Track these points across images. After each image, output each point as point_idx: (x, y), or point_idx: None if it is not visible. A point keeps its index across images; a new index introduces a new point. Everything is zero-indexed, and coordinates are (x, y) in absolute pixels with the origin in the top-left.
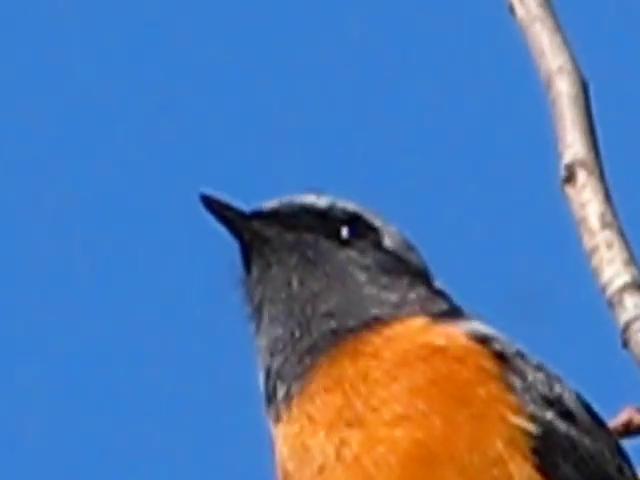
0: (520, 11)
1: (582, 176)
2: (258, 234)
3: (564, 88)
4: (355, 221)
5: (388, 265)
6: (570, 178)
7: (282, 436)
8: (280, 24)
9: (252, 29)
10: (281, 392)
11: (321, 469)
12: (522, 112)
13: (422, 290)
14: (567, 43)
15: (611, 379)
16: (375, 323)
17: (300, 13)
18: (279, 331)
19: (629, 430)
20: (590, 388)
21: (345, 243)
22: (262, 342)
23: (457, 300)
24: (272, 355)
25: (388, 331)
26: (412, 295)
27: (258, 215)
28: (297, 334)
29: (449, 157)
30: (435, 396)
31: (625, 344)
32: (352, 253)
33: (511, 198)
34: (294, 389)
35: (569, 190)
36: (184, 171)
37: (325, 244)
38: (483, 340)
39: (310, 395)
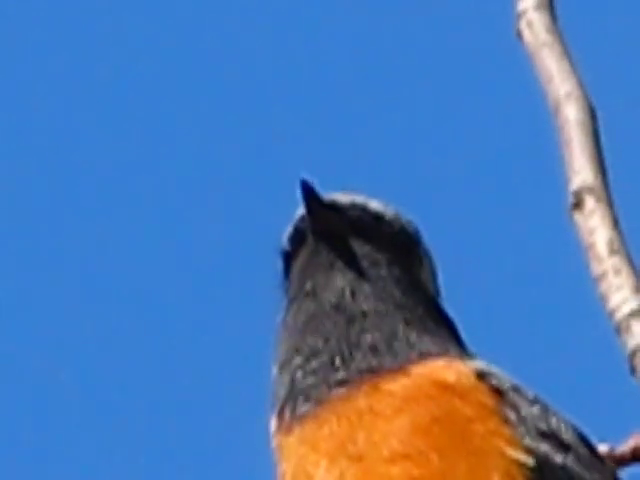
0: (528, 37)
1: (590, 202)
2: (331, 231)
3: (572, 114)
4: (416, 246)
5: (425, 300)
6: (578, 204)
7: (286, 451)
8: (284, 26)
9: (253, 33)
10: (296, 407)
11: None
12: (530, 138)
13: (436, 318)
14: (575, 69)
15: (618, 406)
16: (406, 364)
17: (304, 16)
18: (316, 343)
19: (636, 456)
20: (597, 415)
21: (410, 270)
22: (292, 344)
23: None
24: (300, 366)
25: (413, 370)
26: (440, 336)
27: (323, 207)
28: (333, 357)
29: (457, 183)
30: (436, 434)
31: (633, 371)
32: (414, 284)
33: (519, 225)
34: (309, 410)
35: (577, 216)
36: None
37: (398, 267)
38: (482, 375)
39: (321, 422)
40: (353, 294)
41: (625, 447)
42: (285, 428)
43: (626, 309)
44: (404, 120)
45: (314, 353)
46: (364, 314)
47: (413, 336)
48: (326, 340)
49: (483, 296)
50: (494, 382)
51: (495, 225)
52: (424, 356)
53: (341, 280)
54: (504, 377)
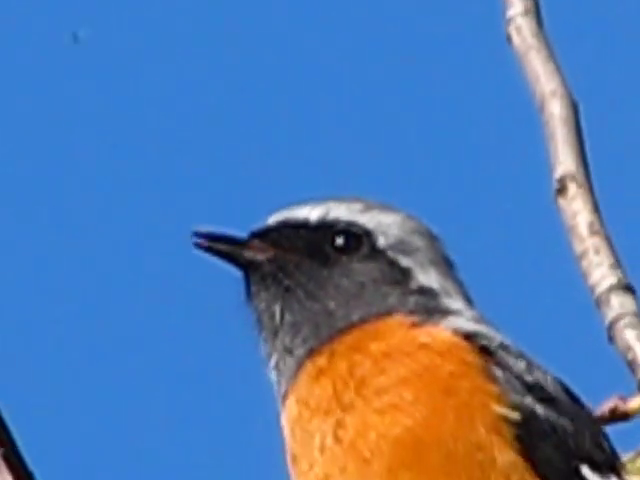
0: (517, 41)
1: (572, 189)
2: (250, 262)
3: (556, 110)
4: (347, 228)
5: (378, 269)
6: (562, 190)
7: (285, 422)
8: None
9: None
10: (283, 385)
11: (320, 450)
12: (519, 131)
13: (411, 289)
14: (559, 69)
15: (598, 372)
16: (360, 323)
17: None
18: (280, 338)
19: (614, 416)
20: (579, 380)
21: (341, 250)
22: (267, 347)
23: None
24: (276, 358)
25: (368, 328)
26: (396, 296)
27: (254, 237)
28: (293, 338)
29: (456, 173)
30: (420, 387)
31: (611, 340)
32: (344, 263)
33: (509, 209)
34: (292, 381)
35: (561, 201)
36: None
37: (315, 260)
38: (468, 336)
39: (305, 385)
40: (293, 295)
41: (604, 408)
42: (283, 403)
43: (605, 284)
44: (406, 112)
45: (277, 343)
46: (304, 305)
47: (361, 303)
48: (282, 331)
49: (480, 272)
50: (483, 342)
51: (489, 210)
52: (375, 316)
53: (277, 293)
54: (493, 336)
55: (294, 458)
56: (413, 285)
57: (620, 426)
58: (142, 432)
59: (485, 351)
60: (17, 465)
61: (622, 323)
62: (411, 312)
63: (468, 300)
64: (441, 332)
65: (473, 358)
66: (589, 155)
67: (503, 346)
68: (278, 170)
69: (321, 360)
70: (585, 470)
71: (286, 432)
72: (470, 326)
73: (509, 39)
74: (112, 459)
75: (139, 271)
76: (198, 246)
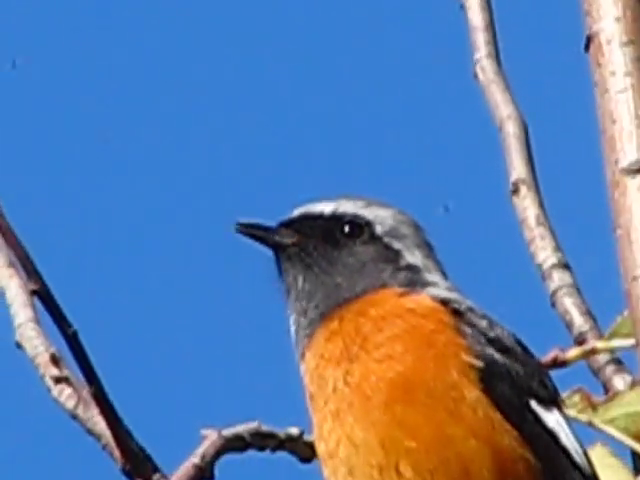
0: (481, 77)
1: (523, 190)
2: (280, 244)
3: (511, 130)
4: (353, 219)
5: (376, 251)
6: (515, 191)
7: (305, 369)
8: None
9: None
10: (300, 342)
11: (333, 390)
12: (484, 146)
13: (409, 266)
14: (513, 99)
15: (544, 329)
16: (362, 294)
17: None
18: (300, 303)
19: (555, 364)
20: (530, 335)
21: (348, 236)
22: (291, 310)
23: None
24: (297, 317)
25: (368, 298)
26: (389, 272)
27: (281, 225)
28: (310, 304)
29: (435, 175)
30: (408, 341)
31: (553, 305)
32: (350, 246)
33: (477, 205)
34: (309, 339)
35: (515, 199)
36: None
37: (328, 243)
38: (443, 302)
39: (322, 340)
40: (311, 271)
41: (548, 357)
42: (301, 357)
43: (549, 263)
44: (396, 127)
45: (299, 308)
46: (320, 279)
47: (363, 277)
48: (303, 299)
49: (454, 254)
50: (455, 306)
51: (462, 206)
52: (373, 288)
53: (300, 269)
54: (463, 302)
55: (312, 397)
56: (402, 263)
57: (560, 371)
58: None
59: (456, 313)
60: (103, 401)
61: (561, 293)
62: (400, 284)
63: (444, 275)
64: (423, 299)
65: (448, 318)
66: (536, 164)
67: (470, 309)
68: (299, 174)
69: (333, 324)
70: (533, 404)
71: (306, 378)
72: (445, 294)
73: (476, 76)
74: (188, 400)
75: (200, 255)
76: (241, 232)
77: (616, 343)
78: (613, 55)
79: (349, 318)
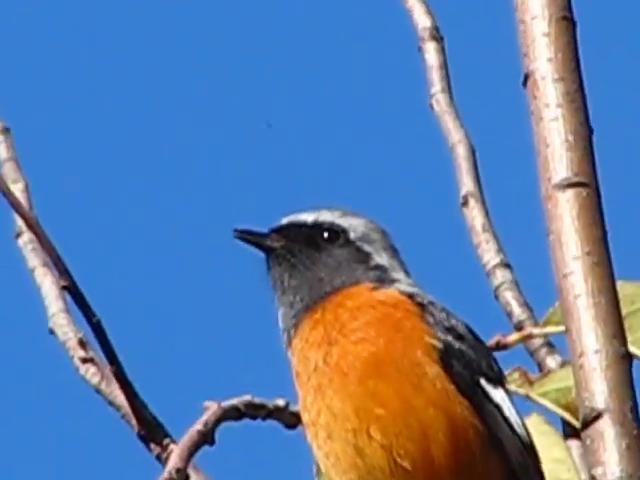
0: (437, 108)
1: (472, 202)
2: (270, 247)
3: (461, 152)
4: (331, 227)
5: (350, 253)
6: (465, 203)
7: (292, 352)
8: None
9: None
10: (291, 328)
11: (315, 369)
12: (439, 166)
13: (377, 266)
14: (462, 126)
15: (488, 318)
16: (339, 289)
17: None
18: (287, 297)
19: (498, 347)
20: (478, 323)
21: (327, 241)
22: (279, 303)
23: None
24: (284, 309)
25: (345, 292)
26: (362, 271)
27: (271, 231)
28: (296, 297)
29: (399, 191)
30: (379, 327)
31: (496, 298)
32: (329, 249)
33: (433, 216)
34: (297, 327)
35: (464, 210)
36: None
37: (310, 247)
38: (409, 295)
39: (307, 328)
40: (296, 271)
41: (492, 341)
42: (288, 343)
43: (492, 263)
44: (365, 147)
45: (286, 301)
46: (304, 277)
47: (340, 275)
48: (289, 294)
49: (415, 256)
50: (419, 299)
51: (420, 216)
52: (349, 284)
53: (286, 268)
54: (424, 296)
55: (297, 375)
56: (372, 263)
57: (502, 353)
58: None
59: (420, 305)
60: (122, 378)
61: (503, 288)
62: (371, 281)
63: (407, 273)
64: (392, 292)
65: (413, 308)
66: (482, 180)
67: (431, 302)
68: (287, 186)
69: (316, 314)
70: (482, 382)
71: (293, 359)
72: (410, 289)
73: (432, 107)
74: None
75: (201, 258)
76: (237, 237)
77: (549, 329)
78: (546, 89)
79: (329, 309)
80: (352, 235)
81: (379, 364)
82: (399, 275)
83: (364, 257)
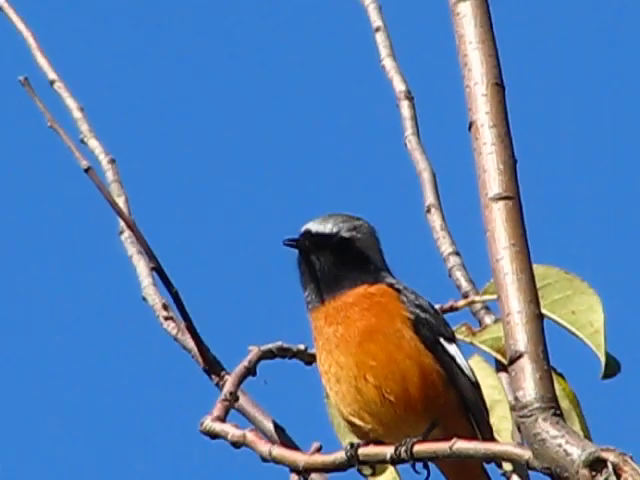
0: (409, 146)
1: (433, 210)
2: (302, 249)
3: (426, 176)
4: (341, 237)
5: (355, 257)
6: (428, 211)
7: (314, 325)
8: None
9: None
10: (314, 306)
11: (328, 340)
12: (411, 186)
13: (371, 268)
14: (428, 159)
15: (445, 290)
16: (348, 289)
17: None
18: (311, 287)
19: (452, 309)
20: (436, 294)
21: (338, 246)
22: (305, 286)
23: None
24: (309, 291)
25: (349, 292)
26: (361, 272)
27: (301, 235)
28: (318, 286)
29: (382, 206)
30: (371, 310)
31: (450, 276)
32: (339, 253)
33: (406, 220)
34: (318, 308)
35: (428, 216)
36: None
37: (327, 249)
38: (390, 285)
39: (323, 314)
40: (319, 267)
41: (447, 305)
42: (311, 314)
43: (447, 252)
44: (352, 172)
45: (311, 288)
46: (325, 272)
47: (353, 276)
48: (313, 282)
49: (391, 254)
50: (397, 287)
51: (396, 224)
52: (362, 283)
53: (313, 265)
54: (400, 284)
55: (315, 340)
56: (370, 266)
57: (455, 313)
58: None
59: (398, 291)
60: (192, 330)
61: (454, 269)
62: (368, 279)
63: (389, 270)
64: (380, 286)
65: (393, 294)
66: (440, 196)
67: (405, 288)
68: (307, 200)
69: (330, 306)
70: (441, 340)
71: (314, 330)
72: (391, 281)
73: (405, 145)
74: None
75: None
76: (284, 244)
77: (486, 297)
78: (484, 133)
79: (339, 304)
80: (356, 243)
81: (371, 332)
82: (385, 272)
83: (364, 259)
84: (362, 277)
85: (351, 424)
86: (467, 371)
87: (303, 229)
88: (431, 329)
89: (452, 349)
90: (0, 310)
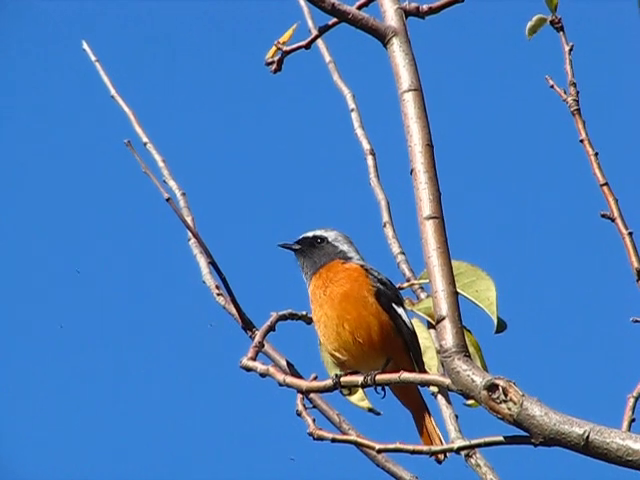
0: (372, 183)
1: (387, 226)
2: (295, 249)
3: (383, 204)
4: (321, 236)
5: (329, 248)
6: (385, 226)
7: (310, 291)
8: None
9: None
10: (307, 281)
11: (320, 298)
12: (373, 212)
13: (342, 252)
14: (383, 190)
15: (396, 276)
16: (326, 264)
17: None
18: (306, 268)
19: (400, 289)
20: (392, 277)
21: (319, 243)
22: (302, 271)
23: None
24: (305, 274)
25: (331, 265)
26: (339, 253)
27: (295, 242)
28: (310, 266)
29: (355, 219)
30: (348, 280)
31: (398, 266)
32: (320, 247)
33: (366, 233)
34: (311, 280)
35: (385, 230)
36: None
37: (312, 247)
38: (361, 265)
39: (315, 281)
40: (309, 258)
41: (397, 286)
42: (308, 284)
43: (396, 252)
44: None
45: (306, 269)
46: (313, 259)
47: (329, 257)
48: (307, 266)
49: (362, 248)
50: (365, 267)
51: (367, 232)
52: (336, 259)
53: (306, 257)
54: (368, 265)
55: (311, 300)
56: (339, 252)
57: (401, 292)
58: None
59: (365, 269)
60: (234, 301)
61: (402, 263)
62: (340, 259)
63: (359, 254)
64: (351, 264)
65: (362, 271)
66: (392, 216)
67: (371, 268)
68: (301, 211)
69: (318, 275)
70: (394, 305)
71: (310, 294)
72: (360, 262)
73: (370, 183)
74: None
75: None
76: (281, 247)
77: (421, 281)
78: (420, 176)
79: (324, 273)
80: (329, 239)
81: (347, 296)
82: (355, 256)
83: (336, 249)
84: (335, 257)
85: (333, 356)
86: (409, 325)
87: (296, 239)
88: (387, 297)
89: (400, 310)
90: (112, 294)
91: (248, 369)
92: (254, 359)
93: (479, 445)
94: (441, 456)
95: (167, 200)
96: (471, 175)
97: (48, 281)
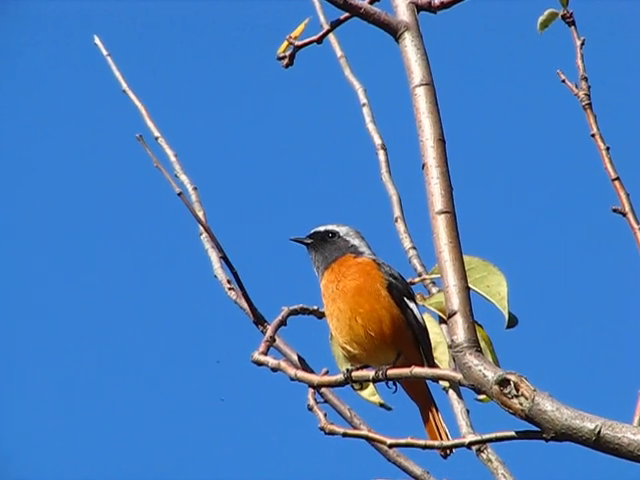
0: (384, 179)
1: (399, 220)
2: (307, 243)
3: (394, 199)
4: (333, 231)
5: (341, 242)
6: (396, 220)
7: (322, 285)
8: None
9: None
10: (319, 275)
11: (332, 292)
12: (386, 209)
13: (354, 246)
14: (396, 187)
15: (407, 270)
16: (338, 258)
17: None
18: (318, 262)
19: (412, 284)
20: (403, 272)
21: (331, 238)
22: (314, 265)
23: (371, 247)
24: (316, 268)
25: (343, 259)
26: (350, 248)
27: (307, 236)
28: (322, 261)
29: (358, 216)
30: (361, 274)
31: (409, 262)
32: (332, 241)
33: (379, 228)
34: (323, 274)
35: (396, 224)
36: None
37: (324, 241)
38: (373, 259)
39: (327, 275)
40: (321, 252)
41: (408, 280)
42: (320, 279)
43: (408, 247)
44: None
45: (317, 263)
46: (324, 253)
47: (340, 251)
48: (319, 260)
49: (374, 244)
50: (377, 261)
51: (381, 227)
52: (345, 255)
53: (318, 250)
54: (380, 260)
55: (323, 294)
56: (351, 246)
57: (413, 287)
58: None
59: (377, 263)
60: (245, 295)
61: (413, 258)
62: (352, 254)
63: (371, 249)
64: (364, 259)
65: (375, 265)
66: (404, 210)
67: (383, 262)
68: (313, 207)
69: (330, 269)
70: (405, 299)
71: (322, 288)
72: (372, 257)
73: (382, 179)
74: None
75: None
76: (293, 241)
77: (433, 276)
78: (432, 171)
79: (336, 267)
80: (341, 234)
81: (360, 289)
82: (367, 250)
83: (347, 244)
84: (347, 252)
85: (344, 350)
86: (420, 320)
87: (311, 232)
88: (399, 291)
89: (412, 305)
90: (129, 288)
91: (259, 364)
92: (265, 354)
93: (490, 440)
94: (447, 450)
95: (179, 195)
96: (483, 170)
97: (60, 276)
